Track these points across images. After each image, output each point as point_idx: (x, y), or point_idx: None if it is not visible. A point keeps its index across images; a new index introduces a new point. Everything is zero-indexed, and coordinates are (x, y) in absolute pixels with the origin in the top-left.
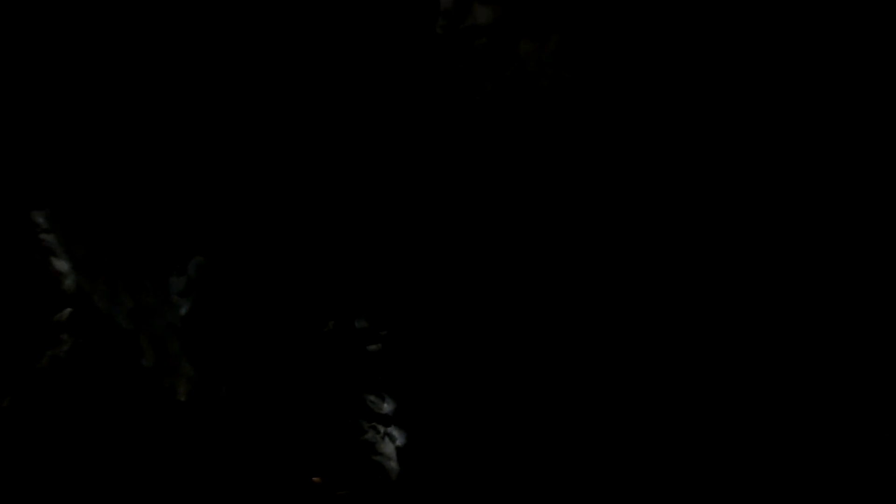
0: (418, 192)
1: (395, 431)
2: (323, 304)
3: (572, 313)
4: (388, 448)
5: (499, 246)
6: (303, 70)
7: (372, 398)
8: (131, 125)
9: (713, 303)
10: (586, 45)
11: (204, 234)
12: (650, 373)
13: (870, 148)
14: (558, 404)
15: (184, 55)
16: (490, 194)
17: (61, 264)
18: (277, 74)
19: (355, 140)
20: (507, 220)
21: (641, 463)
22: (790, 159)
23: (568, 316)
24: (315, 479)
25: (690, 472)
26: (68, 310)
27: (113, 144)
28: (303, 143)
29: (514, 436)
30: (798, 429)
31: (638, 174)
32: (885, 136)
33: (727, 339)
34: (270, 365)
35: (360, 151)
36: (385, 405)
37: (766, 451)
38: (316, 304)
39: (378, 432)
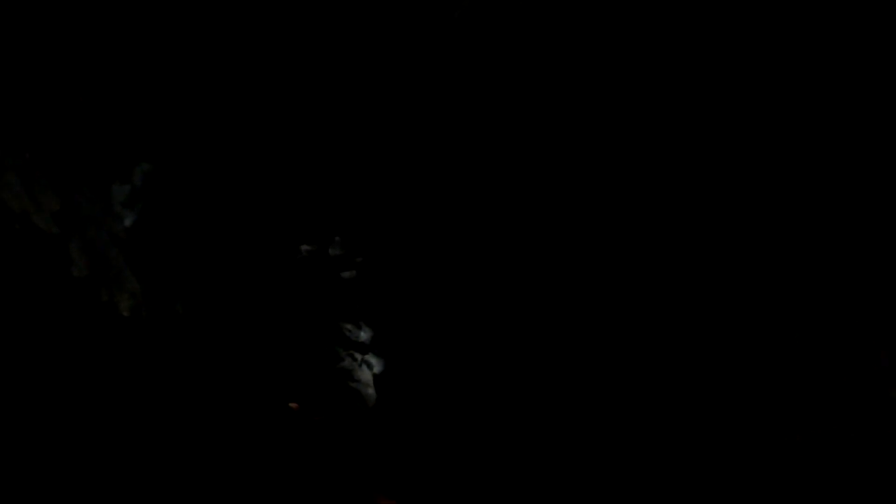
0: (393, 114)
1: (372, 359)
2: (293, 226)
3: (541, 245)
4: (366, 375)
5: (474, 174)
6: None
7: (348, 326)
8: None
9: (710, 297)
10: None
11: (151, 138)
12: (624, 332)
13: (864, 153)
14: (534, 332)
15: None
16: (460, 120)
17: None
18: None
19: (328, 59)
20: (481, 149)
21: (615, 411)
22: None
23: (536, 246)
24: (292, 405)
25: (671, 460)
26: None
27: (52, 30)
28: (275, 52)
29: (492, 364)
30: (791, 425)
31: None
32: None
33: (721, 336)
34: (234, 287)
35: (333, 71)
36: (362, 333)
37: (759, 448)
38: (285, 226)
39: (355, 360)
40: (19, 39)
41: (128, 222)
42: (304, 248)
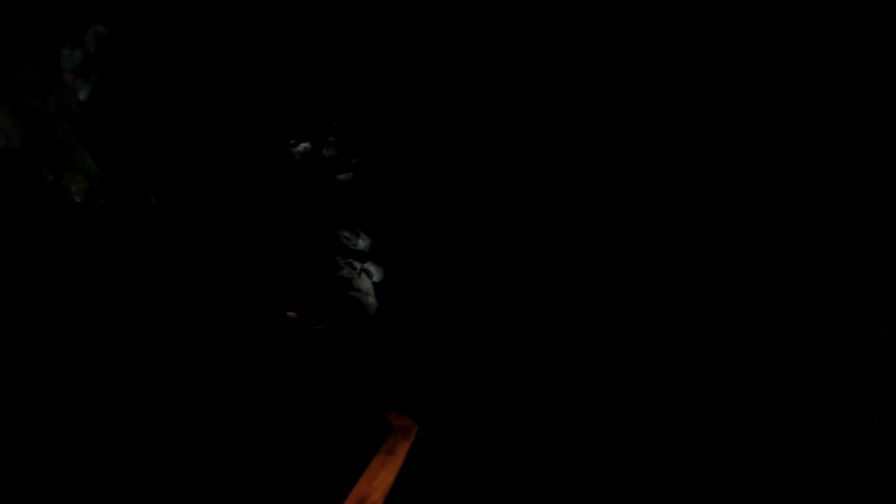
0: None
1: (371, 267)
2: (283, 122)
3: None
4: (365, 284)
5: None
6: None
7: (346, 234)
8: None
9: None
10: None
11: None
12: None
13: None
14: (538, 242)
15: None
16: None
17: None
18: None
19: None
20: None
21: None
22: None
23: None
24: (290, 314)
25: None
26: None
27: None
28: None
29: (493, 274)
30: (787, 425)
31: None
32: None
33: (719, 336)
34: (218, 182)
35: None
36: (360, 241)
37: (757, 448)
38: (275, 121)
39: (354, 268)
40: None
41: (82, 95)
42: (297, 149)
